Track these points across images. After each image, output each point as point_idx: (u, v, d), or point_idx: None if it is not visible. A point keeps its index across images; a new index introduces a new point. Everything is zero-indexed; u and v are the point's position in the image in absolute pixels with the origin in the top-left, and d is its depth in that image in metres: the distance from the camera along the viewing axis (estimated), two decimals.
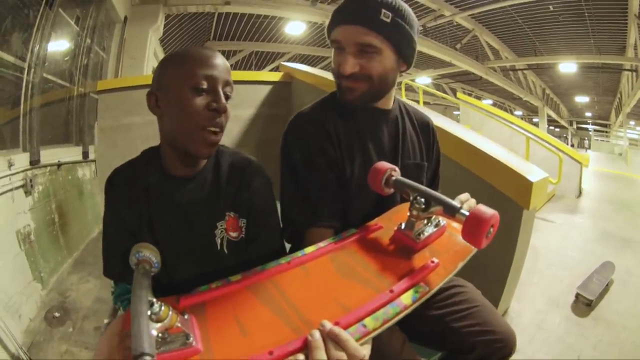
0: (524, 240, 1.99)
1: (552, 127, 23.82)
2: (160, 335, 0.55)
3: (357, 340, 0.55)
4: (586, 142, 24.95)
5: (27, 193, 2.44)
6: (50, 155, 2.86)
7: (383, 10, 0.87)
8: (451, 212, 0.70)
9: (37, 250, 2.46)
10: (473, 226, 0.64)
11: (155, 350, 0.47)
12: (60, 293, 2.51)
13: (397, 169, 0.85)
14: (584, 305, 2.36)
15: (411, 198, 0.77)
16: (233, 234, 0.87)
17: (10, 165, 2.27)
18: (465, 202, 0.82)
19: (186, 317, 0.60)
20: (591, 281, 2.55)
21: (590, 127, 23.70)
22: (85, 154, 3.49)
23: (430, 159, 1.16)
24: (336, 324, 0.55)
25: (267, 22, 9.63)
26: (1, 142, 2.39)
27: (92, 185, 3.54)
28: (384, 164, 0.85)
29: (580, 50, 10.49)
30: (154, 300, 0.55)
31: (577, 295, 2.41)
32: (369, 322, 0.58)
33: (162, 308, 0.55)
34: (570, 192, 5.58)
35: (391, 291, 0.63)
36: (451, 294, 1.09)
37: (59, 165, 2.93)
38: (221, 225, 0.86)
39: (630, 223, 4.32)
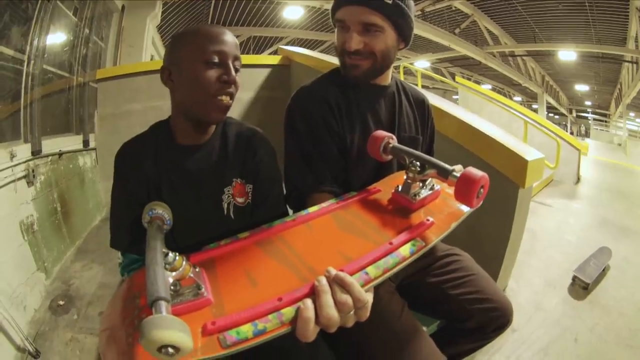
0: (521, 218, 2.02)
1: (551, 114, 23.74)
2: (172, 288, 0.56)
3: (361, 286, 0.57)
4: (582, 128, 24.89)
5: (30, 183, 2.45)
6: (51, 145, 2.86)
7: None
8: (444, 174, 0.74)
9: (41, 240, 2.47)
10: (464, 186, 0.68)
11: (169, 296, 0.48)
12: (64, 281, 2.53)
13: (394, 137, 0.90)
14: (580, 288, 2.38)
15: (407, 162, 0.81)
16: (240, 200, 0.92)
17: (12, 156, 2.28)
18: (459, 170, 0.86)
19: (197, 269, 0.62)
20: (588, 265, 2.57)
21: (589, 115, 23.59)
22: (85, 143, 3.49)
23: (425, 133, 1.21)
24: (341, 271, 0.58)
25: (265, 7, 9.57)
26: (3, 134, 2.40)
27: (93, 173, 3.55)
28: (382, 132, 0.90)
29: (580, 39, 10.41)
30: (168, 250, 0.57)
31: (574, 278, 2.43)
32: (371, 270, 0.61)
33: (177, 258, 0.57)
34: (568, 178, 5.59)
35: (390, 243, 0.67)
36: (448, 262, 1.14)
37: (60, 154, 2.94)
38: (228, 191, 0.91)
39: (629, 212, 4.33)
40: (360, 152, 1.03)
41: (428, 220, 0.73)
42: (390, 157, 0.89)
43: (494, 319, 1.06)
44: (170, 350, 0.41)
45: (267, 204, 0.96)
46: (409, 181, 0.81)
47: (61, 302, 2.29)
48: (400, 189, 0.83)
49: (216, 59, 0.82)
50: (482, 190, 0.69)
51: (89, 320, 2.16)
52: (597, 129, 20.82)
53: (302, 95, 1.06)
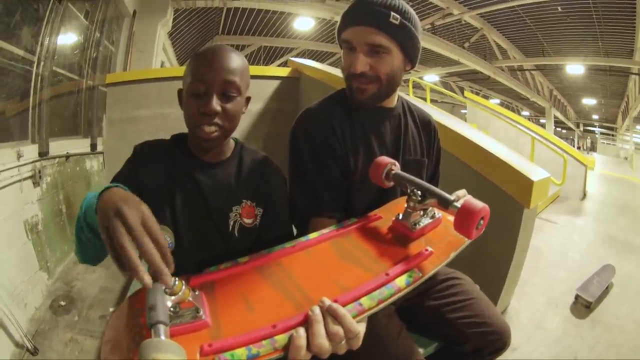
0: (525, 238, 2.01)
1: (558, 129, 23.69)
2: (172, 309, 0.58)
3: (354, 317, 0.59)
4: (589, 141, 24.77)
5: (36, 184, 2.48)
6: (58, 147, 2.90)
7: (392, 13, 0.93)
8: (445, 204, 0.74)
9: (44, 240, 2.49)
10: (464, 218, 0.68)
11: (168, 320, 0.50)
12: (66, 282, 2.55)
13: (397, 163, 0.90)
14: (583, 307, 2.36)
15: (408, 190, 0.82)
16: (247, 220, 0.95)
17: (19, 156, 2.31)
18: (463, 197, 0.85)
19: (197, 292, 0.64)
20: (591, 283, 2.54)
21: (596, 129, 23.51)
22: (93, 146, 3.53)
23: (431, 155, 1.20)
24: (335, 301, 0.59)
25: (276, 17, 9.66)
26: (10, 133, 2.43)
27: (99, 177, 3.59)
28: (385, 159, 0.89)
29: (588, 53, 10.42)
30: None
31: (577, 297, 2.40)
32: (365, 301, 0.62)
33: (176, 282, 0.59)
34: (574, 194, 5.55)
35: (387, 274, 0.67)
36: (448, 286, 1.13)
37: (67, 157, 2.97)
38: (236, 210, 0.94)
39: (634, 228, 4.28)
40: (363, 175, 1.02)
41: (427, 250, 0.73)
42: (392, 183, 0.89)
43: (491, 343, 1.06)
44: None
45: (276, 227, 0.99)
46: (409, 210, 0.81)
47: (62, 303, 2.31)
48: (400, 217, 0.83)
49: (201, 89, 0.83)
50: (482, 221, 0.69)
51: (90, 323, 2.17)
52: (604, 142, 20.69)
53: (306, 118, 1.06)
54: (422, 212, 0.82)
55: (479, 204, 0.68)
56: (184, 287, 0.60)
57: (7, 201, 2.15)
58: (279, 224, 1.00)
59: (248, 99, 0.96)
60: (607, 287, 2.57)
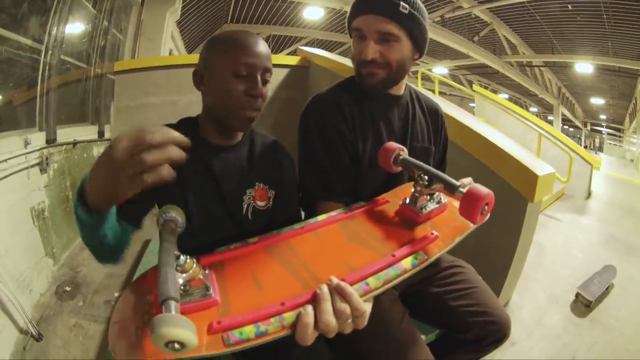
0: (528, 232, 2.02)
1: (566, 127, 23.53)
2: (183, 287, 0.60)
3: (361, 296, 0.60)
4: (597, 141, 24.57)
5: (43, 171, 2.49)
6: (66, 134, 2.91)
7: (401, 3, 0.95)
8: (451, 189, 0.76)
9: (51, 226, 2.51)
10: (469, 203, 0.69)
11: (179, 296, 0.51)
12: (71, 268, 2.57)
13: (404, 149, 0.91)
14: (583, 305, 2.37)
15: (416, 175, 0.83)
16: (260, 203, 0.97)
17: (26, 144, 2.32)
18: (468, 184, 0.87)
19: (207, 271, 0.66)
20: (592, 282, 2.55)
21: (604, 130, 23.32)
22: (101, 133, 3.54)
23: (438, 143, 1.22)
24: (342, 280, 0.60)
25: (286, 6, 9.64)
26: (18, 121, 2.45)
27: None
28: (393, 144, 0.91)
29: (596, 52, 10.35)
30: (180, 253, 0.60)
31: (577, 295, 2.41)
32: (371, 281, 0.63)
33: (187, 260, 0.61)
34: (579, 193, 5.53)
35: (393, 255, 0.69)
36: (451, 273, 1.15)
37: (75, 143, 2.99)
38: (250, 193, 0.96)
39: (637, 230, 4.26)
40: (371, 161, 1.04)
41: (432, 234, 0.74)
42: (400, 168, 0.90)
43: (492, 333, 1.07)
44: (177, 345, 0.44)
45: (287, 209, 1.02)
46: (416, 194, 0.82)
47: (68, 288, 2.33)
48: (407, 201, 0.84)
49: (245, 72, 0.85)
50: (486, 207, 0.70)
51: (95, 308, 2.20)
52: (610, 143, 20.52)
53: (315, 103, 1.08)
54: (428, 197, 0.83)
55: (483, 189, 0.69)
56: (195, 265, 0.61)
57: (15, 188, 2.17)
58: (290, 206, 1.03)
59: None
60: (607, 288, 2.57)
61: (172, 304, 0.48)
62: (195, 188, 0.91)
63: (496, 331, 1.07)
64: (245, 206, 0.95)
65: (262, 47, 0.88)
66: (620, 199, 6.08)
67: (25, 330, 1.89)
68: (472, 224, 0.77)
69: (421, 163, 0.84)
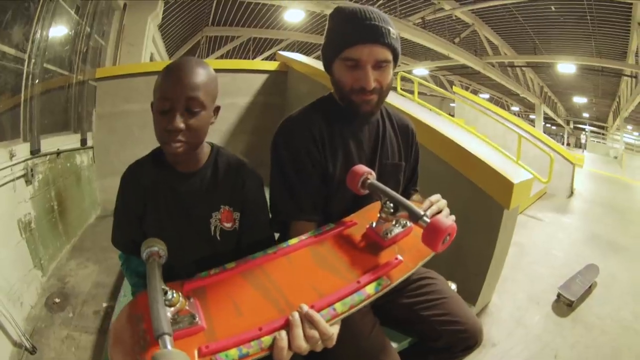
0: (505, 237, 2.06)
1: (548, 125, 23.83)
2: (171, 317, 0.67)
3: (328, 321, 0.68)
4: (582, 139, 24.90)
5: (28, 182, 2.47)
6: (49, 143, 2.88)
7: (390, 29, 0.99)
8: (414, 218, 0.80)
9: (38, 237, 2.50)
10: (431, 234, 0.74)
11: (172, 330, 0.58)
12: (59, 279, 2.56)
13: (373, 172, 0.96)
14: (564, 305, 2.41)
15: (382, 202, 0.88)
16: (227, 225, 1.01)
17: (11, 156, 2.31)
18: (435, 202, 0.92)
19: (191, 300, 0.74)
20: (574, 282, 2.59)
21: (587, 127, 23.67)
22: (83, 141, 3.52)
23: (409, 159, 1.25)
24: (312, 307, 0.69)
25: (266, 8, 9.65)
26: (3, 133, 2.43)
27: (89, 171, 3.57)
28: (362, 168, 0.95)
29: (580, 52, 10.49)
30: (167, 288, 0.68)
31: (559, 295, 2.45)
32: (338, 306, 0.71)
33: (174, 295, 0.68)
34: (561, 192, 5.64)
35: (358, 282, 0.76)
36: (422, 285, 1.20)
37: (58, 153, 2.97)
38: (216, 216, 1.00)
39: (619, 227, 4.35)
40: (341, 180, 1.06)
41: (396, 259, 0.81)
42: (367, 191, 0.95)
43: (463, 340, 1.12)
44: None
45: (253, 230, 1.04)
46: (382, 220, 0.88)
47: (57, 300, 2.33)
48: (374, 225, 0.90)
49: (166, 107, 0.85)
50: (448, 237, 0.75)
51: (84, 319, 2.20)
52: (594, 141, 20.87)
53: (286, 125, 1.11)
54: (394, 222, 0.88)
55: (446, 222, 0.73)
56: (180, 298, 0.69)
57: (1, 201, 2.16)
58: (257, 226, 1.05)
59: (217, 109, 0.97)
60: (590, 287, 2.61)
61: (167, 338, 0.55)
62: (168, 213, 0.98)
63: (467, 339, 1.12)
64: (212, 228, 1.00)
65: (188, 76, 0.86)
66: (603, 196, 6.20)
67: (19, 343, 1.88)
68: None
69: (387, 189, 0.88)
